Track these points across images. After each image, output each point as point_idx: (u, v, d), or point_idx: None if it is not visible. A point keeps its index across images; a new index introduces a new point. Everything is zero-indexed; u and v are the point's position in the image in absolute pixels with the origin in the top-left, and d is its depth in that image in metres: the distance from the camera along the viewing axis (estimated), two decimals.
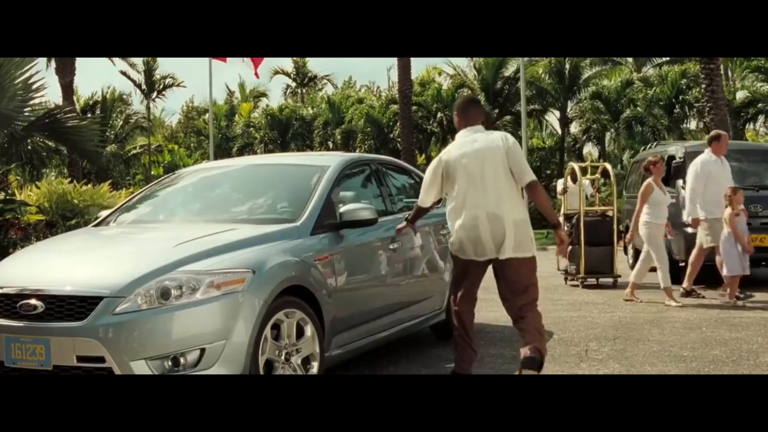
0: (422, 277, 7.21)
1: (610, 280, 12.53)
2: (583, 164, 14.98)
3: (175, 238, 5.39)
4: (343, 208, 6.04)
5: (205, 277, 4.82)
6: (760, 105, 29.83)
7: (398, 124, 33.60)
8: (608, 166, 14.78)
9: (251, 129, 44.75)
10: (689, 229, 11.36)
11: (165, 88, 46.10)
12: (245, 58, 23.39)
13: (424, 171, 6.38)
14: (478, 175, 5.68)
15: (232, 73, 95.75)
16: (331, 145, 41.76)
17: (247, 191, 6.69)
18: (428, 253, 7.30)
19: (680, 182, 12.15)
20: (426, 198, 6.02)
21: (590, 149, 43.24)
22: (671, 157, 13.30)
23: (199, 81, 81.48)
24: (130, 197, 7.21)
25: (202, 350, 4.70)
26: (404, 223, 6.40)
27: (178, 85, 46.29)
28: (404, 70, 30.44)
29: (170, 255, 5.04)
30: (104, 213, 6.87)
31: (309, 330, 5.28)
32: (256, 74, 40.33)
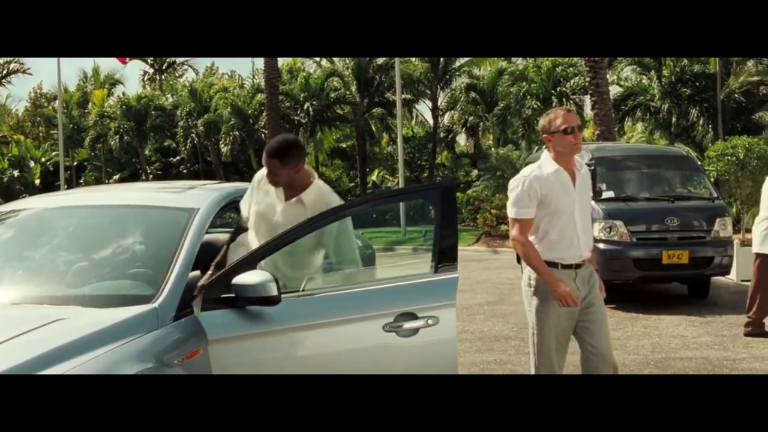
0: None
1: None
2: None
3: None
4: (236, 279, 4.14)
5: None
6: (640, 98, 29.32)
7: (264, 114, 31.74)
8: None
9: (105, 119, 41.64)
10: None
11: (9, 73, 42.64)
12: None
13: None
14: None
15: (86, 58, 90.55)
16: (194, 136, 39.31)
17: (84, 248, 4.72)
18: None
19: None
20: None
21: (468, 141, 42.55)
22: None
23: (48, 64, 77.00)
24: None
25: None
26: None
27: (24, 72, 42.90)
28: (271, 58, 28.70)
29: None
30: None
31: None
32: (123, 61, 37.67)
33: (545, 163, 5.02)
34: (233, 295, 4.15)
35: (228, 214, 5.35)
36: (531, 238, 5.07)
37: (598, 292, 5.20)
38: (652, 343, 9.06)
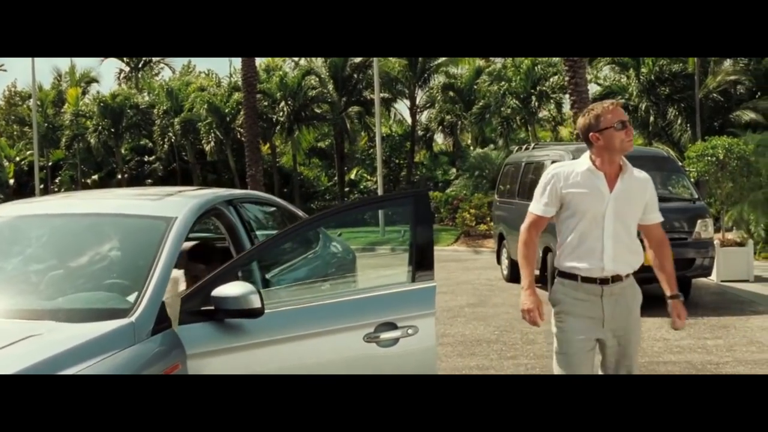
0: None
1: None
2: None
3: None
4: (215, 291, 4.02)
5: None
6: (618, 97, 29.32)
7: (242, 113, 31.54)
8: None
9: (81, 117, 41.20)
10: None
11: None
12: None
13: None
14: None
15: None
16: (172, 135, 38.99)
17: (58, 259, 4.54)
18: None
19: None
20: None
21: (447, 139, 42.51)
22: (555, 163, 11.98)
23: (22, 61, 76.36)
24: None
25: None
26: None
27: None
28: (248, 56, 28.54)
29: None
30: None
31: None
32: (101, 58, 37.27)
33: (581, 161, 4.55)
34: (213, 307, 4.03)
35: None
36: (555, 245, 4.65)
37: (635, 321, 4.59)
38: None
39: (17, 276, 4.48)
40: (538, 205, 4.59)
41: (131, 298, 4.04)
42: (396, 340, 4.33)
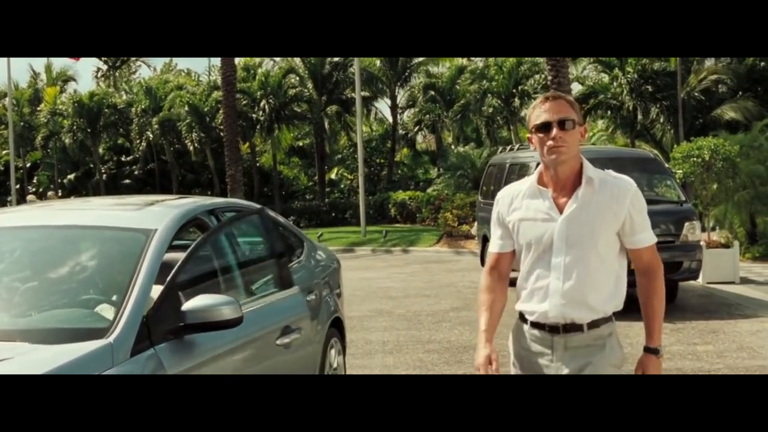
0: None
1: None
2: None
3: None
4: (187, 305, 3.92)
5: None
6: (601, 97, 29.29)
7: (221, 111, 31.24)
8: None
9: (58, 116, 40.71)
10: None
11: None
12: None
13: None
14: None
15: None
16: (150, 134, 38.59)
17: (32, 274, 4.31)
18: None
19: None
20: None
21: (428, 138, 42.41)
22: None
23: None
24: None
25: None
26: None
27: None
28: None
29: None
30: None
31: None
32: (76, 57, 36.72)
33: (532, 176, 3.57)
34: (187, 323, 3.88)
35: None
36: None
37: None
38: (624, 353, 8.83)
39: None
40: (493, 240, 3.66)
41: (109, 315, 3.84)
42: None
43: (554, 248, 3.43)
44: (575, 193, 3.43)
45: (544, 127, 3.41)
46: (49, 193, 24.07)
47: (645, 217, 3.51)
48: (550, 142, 3.38)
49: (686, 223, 11.46)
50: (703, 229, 14.47)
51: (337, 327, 6.39)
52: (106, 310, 3.92)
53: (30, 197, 22.34)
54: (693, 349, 9.05)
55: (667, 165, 13.76)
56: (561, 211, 3.44)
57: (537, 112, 3.47)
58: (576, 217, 3.42)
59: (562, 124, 3.41)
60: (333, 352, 6.17)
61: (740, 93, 28.47)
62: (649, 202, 11.54)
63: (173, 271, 4.00)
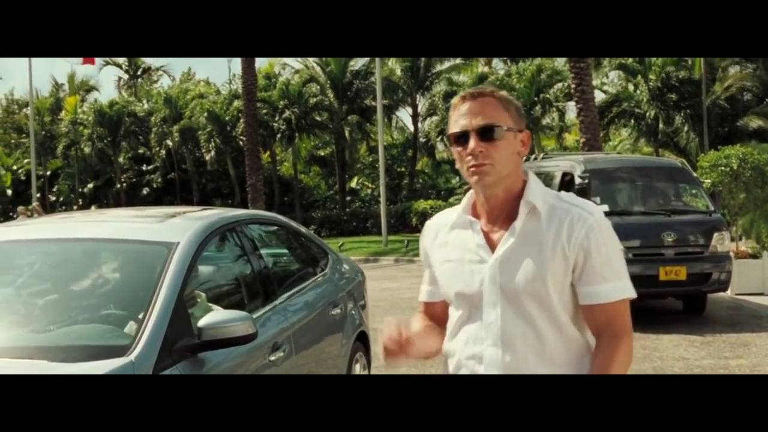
0: None
1: None
2: None
3: None
4: (203, 322, 3.79)
5: None
6: (624, 105, 29.04)
7: (242, 120, 31.24)
8: None
9: (78, 126, 40.85)
10: None
11: None
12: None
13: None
14: None
15: (61, 63, 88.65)
16: (170, 143, 38.64)
17: (51, 289, 4.18)
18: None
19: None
20: None
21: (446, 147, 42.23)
22: (566, 175, 11.61)
23: (20, 69, 76.46)
24: None
25: None
26: None
27: None
28: (248, 63, 28.30)
29: None
30: None
31: None
32: (90, 61, 36.74)
33: (464, 200, 2.63)
34: (203, 340, 3.75)
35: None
36: None
37: None
38: (653, 367, 8.65)
39: (6, 308, 4.14)
40: (423, 285, 2.82)
41: (131, 330, 3.71)
42: None
43: (485, 301, 2.49)
44: (512, 226, 2.47)
45: (462, 138, 2.45)
46: (34, 204, 23.25)
47: (612, 258, 2.46)
48: (468, 158, 2.43)
49: (715, 234, 11.23)
50: (732, 239, 14.23)
51: (362, 341, 6.25)
52: (128, 326, 3.79)
53: (20, 208, 21.81)
54: (725, 363, 8.83)
55: (695, 174, 13.54)
56: (494, 250, 2.50)
57: (454, 116, 2.51)
58: (511, 258, 2.46)
59: (483, 133, 2.43)
60: (358, 366, 6.03)
61: (766, 101, 28.16)
62: (677, 212, 11.33)
63: (180, 285, 3.92)
